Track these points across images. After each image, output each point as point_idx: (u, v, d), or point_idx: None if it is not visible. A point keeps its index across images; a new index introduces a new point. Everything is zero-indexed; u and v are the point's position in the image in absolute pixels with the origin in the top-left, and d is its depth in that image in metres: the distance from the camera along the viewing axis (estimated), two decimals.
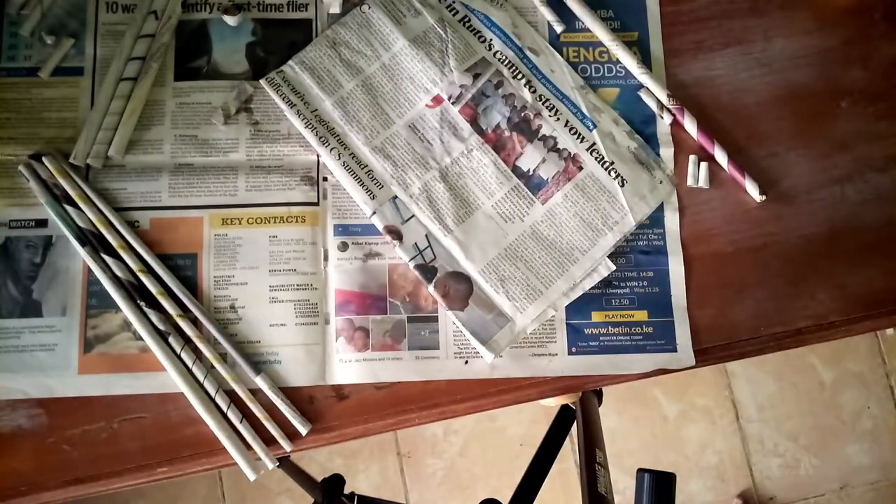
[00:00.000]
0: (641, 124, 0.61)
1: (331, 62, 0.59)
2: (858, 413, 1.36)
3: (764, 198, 0.59)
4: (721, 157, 0.59)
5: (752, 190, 0.59)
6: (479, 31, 0.61)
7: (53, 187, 0.56)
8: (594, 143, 0.59)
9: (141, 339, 0.54)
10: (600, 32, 0.62)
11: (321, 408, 0.56)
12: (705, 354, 0.58)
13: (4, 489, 0.53)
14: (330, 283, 0.57)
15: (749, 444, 1.30)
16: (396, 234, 0.57)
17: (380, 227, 0.57)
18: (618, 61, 0.62)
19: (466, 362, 0.56)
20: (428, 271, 0.56)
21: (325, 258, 0.57)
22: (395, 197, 0.58)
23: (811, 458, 1.34)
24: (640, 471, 0.53)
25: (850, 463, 1.35)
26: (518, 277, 0.56)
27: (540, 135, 0.59)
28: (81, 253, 0.55)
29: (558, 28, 0.62)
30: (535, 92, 0.60)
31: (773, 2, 0.64)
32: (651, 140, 0.60)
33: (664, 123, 0.61)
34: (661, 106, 0.60)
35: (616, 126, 0.60)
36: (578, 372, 0.57)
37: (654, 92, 0.61)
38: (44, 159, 0.56)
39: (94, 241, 0.55)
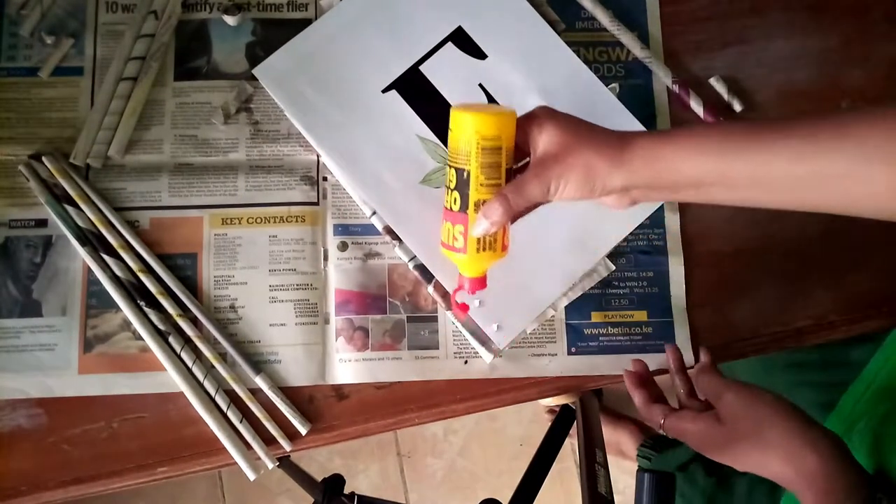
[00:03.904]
0: (642, 123, 0.60)
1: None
2: None
3: None
4: None
5: None
6: None
7: (53, 187, 0.56)
8: None
9: (141, 338, 0.54)
10: (602, 17, 0.62)
11: (321, 407, 0.56)
12: None
13: (4, 489, 0.53)
14: (330, 282, 0.57)
15: None
16: (396, 235, 0.56)
17: (379, 227, 0.57)
18: (618, 60, 0.62)
19: (466, 362, 0.56)
20: (427, 271, 0.56)
21: (325, 258, 0.57)
22: None
23: None
24: (640, 471, 0.53)
25: None
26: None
27: None
28: (81, 253, 0.55)
29: (559, 28, 0.62)
30: None
31: (772, 2, 0.64)
32: None
33: (665, 123, 0.61)
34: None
35: None
36: (578, 372, 0.57)
37: (659, 74, 0.61)
38: (44, 159, 0.56)
39: (94, 241, 0.55)
